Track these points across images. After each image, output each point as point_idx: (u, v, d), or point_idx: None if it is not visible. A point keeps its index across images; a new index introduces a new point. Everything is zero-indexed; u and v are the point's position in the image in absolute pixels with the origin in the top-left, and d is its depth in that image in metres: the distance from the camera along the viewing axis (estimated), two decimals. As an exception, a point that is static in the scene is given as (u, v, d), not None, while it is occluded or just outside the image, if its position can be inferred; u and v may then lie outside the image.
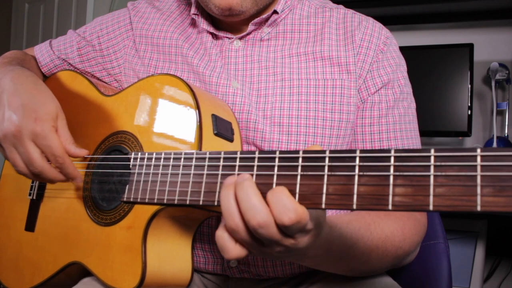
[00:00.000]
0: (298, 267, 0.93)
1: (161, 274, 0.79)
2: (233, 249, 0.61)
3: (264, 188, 0.59)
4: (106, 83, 1.10)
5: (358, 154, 0.54)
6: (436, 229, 1.04)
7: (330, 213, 0.96)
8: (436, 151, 0.49)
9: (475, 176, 0.46)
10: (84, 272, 0.94)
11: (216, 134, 0.80)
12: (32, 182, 1.02)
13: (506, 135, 2.14)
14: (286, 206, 0.55)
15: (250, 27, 0.96)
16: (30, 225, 0.99)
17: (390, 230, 0.81)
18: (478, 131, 2.24)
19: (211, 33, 1.00)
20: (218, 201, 0.65)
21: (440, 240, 1.03)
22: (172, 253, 0.82)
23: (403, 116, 0.95)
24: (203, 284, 0.98)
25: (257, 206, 0.57)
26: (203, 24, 0.98)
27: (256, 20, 0.95)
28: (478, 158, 0.46)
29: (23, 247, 0.98)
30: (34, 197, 1.00)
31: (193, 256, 0.86)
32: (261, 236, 0.58)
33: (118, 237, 0.82)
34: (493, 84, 2.08)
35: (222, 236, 0.61)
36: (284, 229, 0.57)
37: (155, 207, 0.76)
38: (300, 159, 0.58)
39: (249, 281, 0.96)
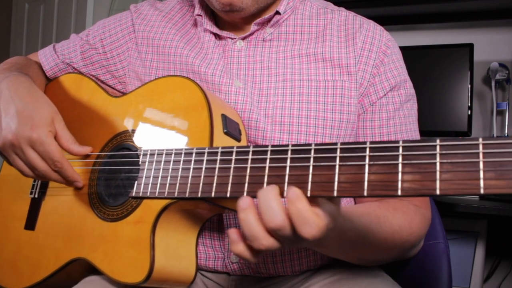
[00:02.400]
0: (298, 264, 0.94)
1: (167, 269, 0.79)
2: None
3: (277, 179, 0.62)
4: (110, 86, 1.11)
5: (368, 145, 0.57)
6: (436, 229, 1.05)
7: (343, 203, 0.98)
8: (441, 140, 0.52)
9: (478, 162, 0.50)
10: (85, 272, 0.95)
11: (225, 133, 0.82)
12: (34, 181, 1.03)
13: (506, 135, 2.14)
14: (309, 223, 0.58)
15: (253, 27, 0.97)
16: (30, 224, 0.99)
17: (398, 224, 0.83)
18: (478, 131, 2.24)
19: (214, 34, 1.01)
20: (231, 193, 0.66)
21: (440, 240, 1.03)
22: (178, 249, 0.82)
23: (408, 117, 0.98)
24: (204, 284, 0.99)
25: (275, 208, 0.59)
26: (206, 24, 1.00)
27: (258, 20, 0.97)
28: (481, 146, 0.50)
29: (22, 246, 0.99)
30: (36, 196, 1.00)
31: (197, 254, 0.86)
32: (280, 237, 0.61)
33: (125, 232, 0.82)
34: (493, 84, 2.08)
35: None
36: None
37: (165, 202, 0.77)
38: (312, 151, 0.60)
39: (249, 279, 0.96)
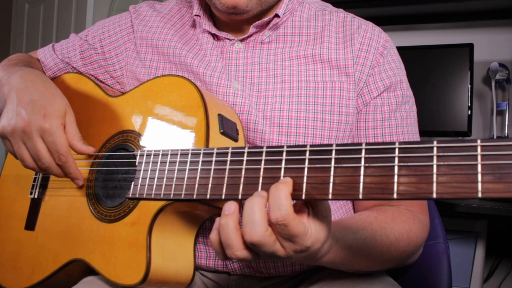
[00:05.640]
0: (299, 264, 0.94)
1: (164, 271, 0.79)
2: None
3: (272, 181, 0.61)
4: (109, 85, 1.11)
5: (364, 146, 0.56)
6: (436, 229, 1.04)
7: (339, 215, 0.97)
8: (438, 142, 0.51)
9: (476, 164, 0.48)
10: (84, 272, 0.95)
11: (222, 133, 0.81)
12: (34, 181, 1.02)
13: (506, 135, 2.14)
14: (279, 206, 0.57)
15: (252, 29, 0.97)
16: (30, 224, 0.99)
17: (395, 235, 0.82)
18: (478, 131, 2.24)
19: (212, 35, 1.01)
20: (226, 195, 0.66)
21: (440, 240, 1.03)
22: (175, 250, 0.82)
23: (405, 119, 0.97)
24: (204, 284, 0.99)
25: (257, 222, 0.58)
26: (205, 25, 0.99)
27: (257, 23, 0.97)
28: (479, 148, 0.49)
29: (22, 246, 0.99)
30: (36, 196, 1.00)
31: (195, 254, 0.86)
32: (256, 250, 0.61)
33: (122, 234, 0.82)
34: (493, 84, 2.08)
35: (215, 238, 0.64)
36: (273, 227, 0.59)
37: (161, 203, 0.77)
38: (307, 153, 0.60)
39: (250, 279, 0.96)
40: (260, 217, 0.58)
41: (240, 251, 0.60)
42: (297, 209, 0.60)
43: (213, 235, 0.63)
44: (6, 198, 1.07)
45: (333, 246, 0.68)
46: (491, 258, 2.15)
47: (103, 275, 0.82)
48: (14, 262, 0.99)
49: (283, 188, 0.58)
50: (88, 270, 0.93)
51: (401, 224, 0.84)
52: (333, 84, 0.94)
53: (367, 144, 0.56)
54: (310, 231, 0.60)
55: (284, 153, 0.62)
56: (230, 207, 0.61)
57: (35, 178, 1.03)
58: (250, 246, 0.60)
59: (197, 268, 0.97)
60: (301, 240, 0.59)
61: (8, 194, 1.07)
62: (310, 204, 0.61)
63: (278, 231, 0.59)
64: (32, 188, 1.02)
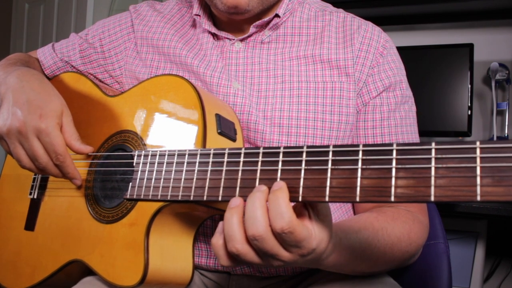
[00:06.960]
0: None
1: (162, 272, 0.79)
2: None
3: (268, 183, 0.61)
4: (108, 85, 1.11)
5: (361, 148, 0.55)
6: (436, 229, 1.04)
7: (338, 215, 0.97)
8: (436, 144, 0.50)
9: (475, 167, 0.47)
10: (84, 272, 0.95)
11: (219, 133, 0.81)
12: (33, 182, 1.02)
13: (506, 135, 2.14)
14: (282, 214, 0.57)
15: (252, 29, 0.97)
16: (30, 224, 0.99)
17: (397, 235, 0.82)
18: (478, 131, 2.24)
19: (212, 34, 1.01)
20: (223, 197, 0.66)
21: (440, 240, 1.03)
22: (174, 251, 0.82)
23: (404, 119, 0.97)
24: (203, 283, 0.99)
25: (258, 218, 0.59)
26: (205, 24, 0.99)
27: (257, 22, 0.96)
28: (478, 150, 0.48)
29: (22, 246, 0.99)
30: (35, 196, 1.00)
31: (194, 255, 0.86)
32: (257, 248, 0.60)
33: (120, 235, 0.82)
34: (493, 84, 2.08)
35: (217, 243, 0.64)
36: (278, 237, 0.59)
37: (158, 204, 0.77)
38: (304, 154, 0.59)
39: (250, 279, 0.96)
40: (261, 212, 0.59)
41: (241, 244, 0.61)
42: (297, 213, 0.60)
43: (215, 239, 0.64)
44: (6, 198, 1.07)
45: (336, 246, 0.68)
46: (491, 258, 2.15)
47: (102, 276, 0.82)
48: (15, 262, 0.99)
49: (281, 196, 0.58)
50: (88, 270, 0.93)
51: (401, 224, 0.84)
52: (333, 84, 0.94)
53: (364, 145, 0.55)
54: (314, 233, 0.60)
55: (281, 154, 0.61)
56: (236, 201, 0.62)
57: (34, 178, 1.03)
58: (251, 241, 0.60)
59: (197, 267, 0.97)
60: (307, 244, 0.59)
61: (8, 194, 1.07)
62: (309, 205, 0.61)
63: (284, 239, 0.59)
64: (32, 189, 1.02)
